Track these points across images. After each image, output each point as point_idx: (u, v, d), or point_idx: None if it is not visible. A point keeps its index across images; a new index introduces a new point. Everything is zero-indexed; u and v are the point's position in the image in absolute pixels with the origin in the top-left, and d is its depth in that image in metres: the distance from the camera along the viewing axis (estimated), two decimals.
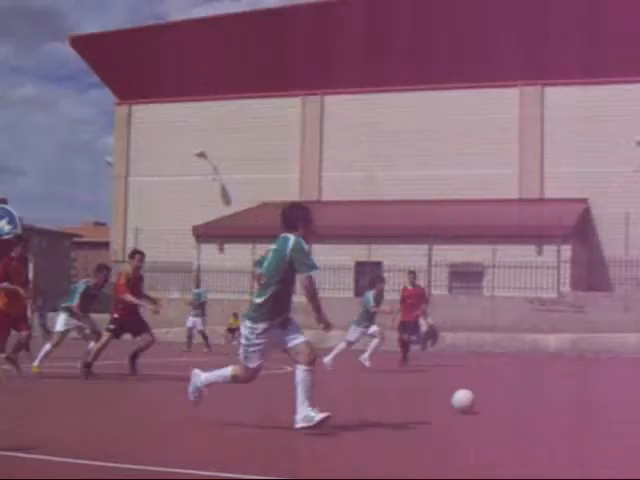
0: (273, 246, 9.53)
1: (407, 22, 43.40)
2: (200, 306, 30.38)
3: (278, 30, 45.25)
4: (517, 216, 39.03)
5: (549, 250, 37.61)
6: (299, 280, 9.31)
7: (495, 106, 42.85)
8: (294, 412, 9.07)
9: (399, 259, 36.31)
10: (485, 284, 38.38)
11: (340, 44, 44.17)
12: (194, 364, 11.47)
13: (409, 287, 23.87)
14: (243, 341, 9.38)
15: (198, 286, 31.47)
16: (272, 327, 9.20)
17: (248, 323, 9.30)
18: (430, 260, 38.33)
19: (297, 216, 9.54)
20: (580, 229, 39.77)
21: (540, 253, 37.80)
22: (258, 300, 9.34)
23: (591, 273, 39.73)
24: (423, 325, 24.25)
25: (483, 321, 34.99)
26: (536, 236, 37.77)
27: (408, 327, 23.10)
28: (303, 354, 9.18)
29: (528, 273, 36.59)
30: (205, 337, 29.74)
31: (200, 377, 9.66)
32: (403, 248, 37.74)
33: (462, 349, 31.87)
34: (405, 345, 22.88)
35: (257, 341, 9.22)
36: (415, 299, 23.44)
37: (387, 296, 34.11)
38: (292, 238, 9.29)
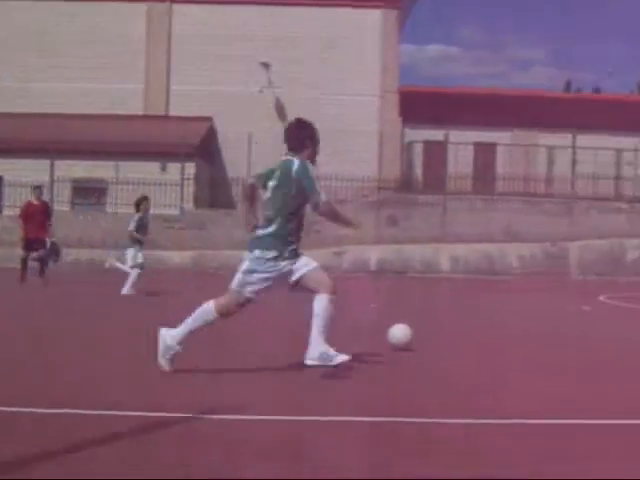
0: (276, 171, 8.61)
1: None
2: None
3: None
4: (141, 133, 38.76)
5: (173, 167, 37.95)
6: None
7: (122, 20, 42.05)
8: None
9: (21, 174, 35.33)
10: (108, 200, 38.09)
11: None
12: None
13: (35, 202, 23.44)
14: (244, 270, 8.42)
15: None
16: (282, 257, 8.37)
17: (257, 252, 8.37)
18: (52, 175, 37.46)
19: (305, 135, 8.66)
20: (205, 147, 40.18)
21: (164, 170, 37.97)
22: (264, 232, 8.47)
23: (214, 191, 40.40)
24: (46, 242, 23.79)
25: (106, 238, 34.64)
26: (160, 153, 37.90)
27: (34, 243, 22.80)
28: (324, 282, 8.44)
29: (152, 190, 36.47)
30: None
31: (171, 333, 8.38)
32: (25, 162, 36.65)
33: (85, 266, 31.72)
34: (26, 263, 22.71)
35: (265, 267, 8.37)
36: (40, 215, 23.04)
37: (10, 212, 33.06)
38: (296, 162, 8.43)
